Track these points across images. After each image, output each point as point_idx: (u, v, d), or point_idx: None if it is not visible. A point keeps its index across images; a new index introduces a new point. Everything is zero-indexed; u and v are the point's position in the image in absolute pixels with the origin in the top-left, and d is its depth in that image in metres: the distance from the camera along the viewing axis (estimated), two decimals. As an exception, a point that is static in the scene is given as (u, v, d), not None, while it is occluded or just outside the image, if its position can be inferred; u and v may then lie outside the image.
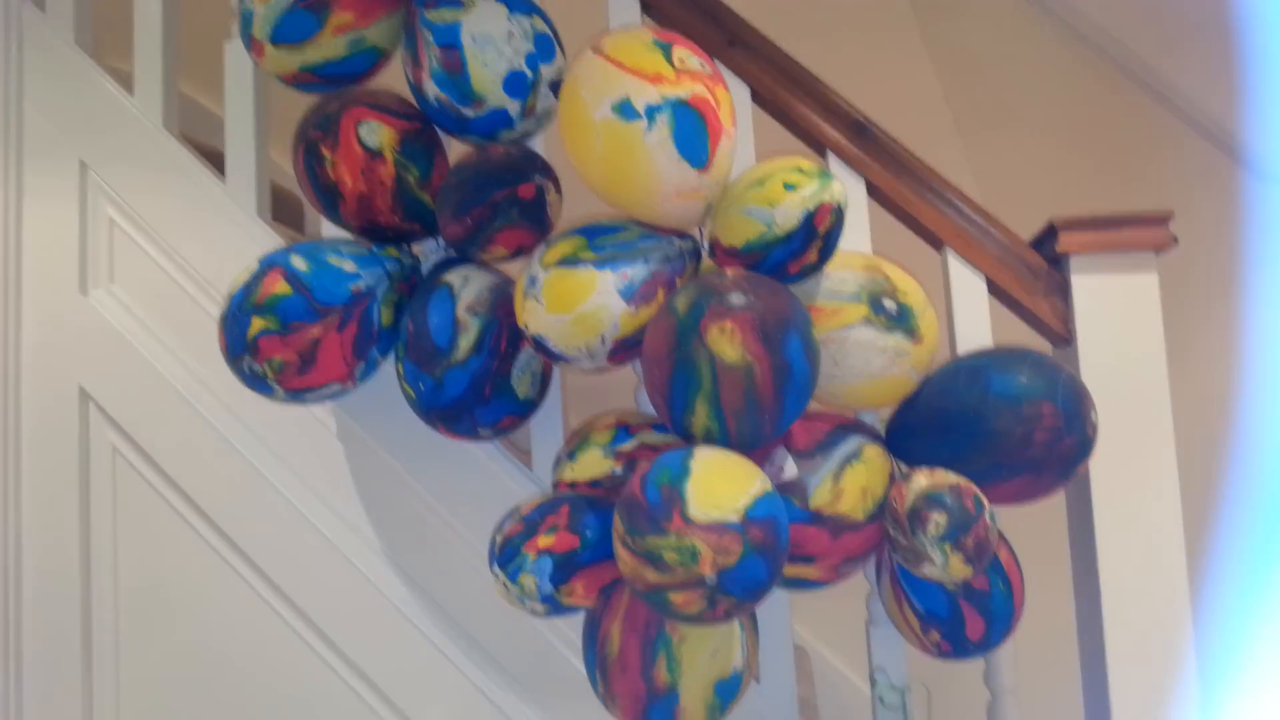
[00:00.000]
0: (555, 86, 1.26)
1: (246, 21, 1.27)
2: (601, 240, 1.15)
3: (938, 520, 1.06)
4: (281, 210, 1.98)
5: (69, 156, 1.55)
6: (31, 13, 1.58)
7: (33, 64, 1.57)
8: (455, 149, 1.33)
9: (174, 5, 1.56)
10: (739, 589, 0.98)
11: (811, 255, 1.12)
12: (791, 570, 1.13)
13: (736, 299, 1.05)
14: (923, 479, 1.10)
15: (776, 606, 1.31)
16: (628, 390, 1.39)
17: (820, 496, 1.12)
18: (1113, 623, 1.27)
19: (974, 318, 1.33)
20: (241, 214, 1.50)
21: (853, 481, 1.13)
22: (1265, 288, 1.97)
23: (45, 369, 1.54)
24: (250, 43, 1.28)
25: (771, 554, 0.99)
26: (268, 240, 1.48)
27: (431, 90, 1.25)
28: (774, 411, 1.06)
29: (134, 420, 1.51)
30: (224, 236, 1.49)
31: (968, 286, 1.34)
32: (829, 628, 2.24)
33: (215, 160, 1.54)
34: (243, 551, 1.46)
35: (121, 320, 1.53)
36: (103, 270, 1.55)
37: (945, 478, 1.10)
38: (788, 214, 1.10)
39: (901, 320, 1.16)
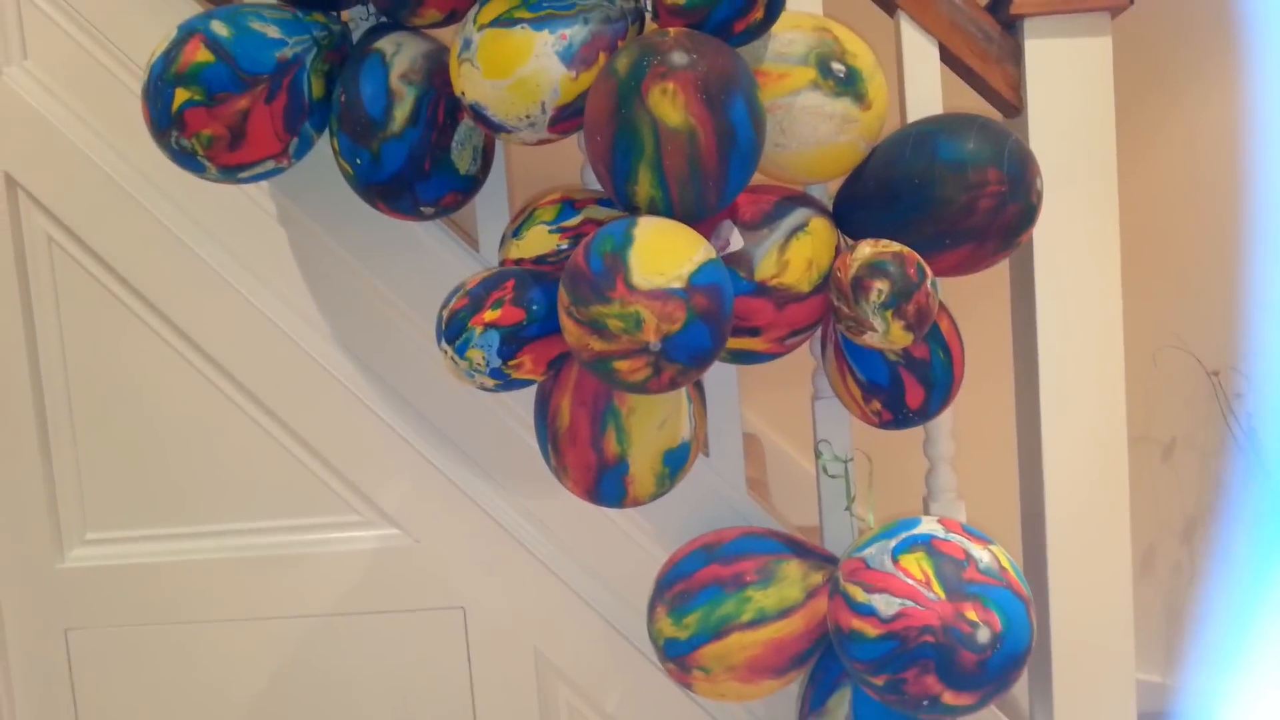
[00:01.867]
0: None
1: None
2: (538, -1, 1.08)
3: (880, 288, 1.07)
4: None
5: (-40, -84, 1.42)
6: None
7: None
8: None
9: None
10: (683, 355, 0.99)
11: (758, 12, 1.07)
12: (737, 342, 1.14)
13: (679, 58, 1.00)
14: (866, 249, 1.09)
15: (724, 381, 1.34)
16: (574, 169, 1.36)
17: (765, 268, 1.12)
18: (1049, 393, 1.31)
19: (925, 85, 1.30)
20: (156, -21, 1.39)
21: (798, 253, 1.13)
22: (1230, 61, 1.93)
23: (-36, 154, 1.46)
24: None
25: (715, 320, 1.00)
26: (187, 8, 1.38)
27: None
28: (718, 178, 1.04)
29: (66, 207, 1.46)
30: (139, 2, 1.39)
31: (920, 52, 1.30)
32: (781, 416, 2.31)
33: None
34: (188, 336, 1.45)
35: (40, 100, 1.44)
36: (14, 47, 1.44)
37: (889, 247, 1.09)
38: (735, -33, 1.04)
39: (850, 84, 1.13)
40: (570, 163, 1.37)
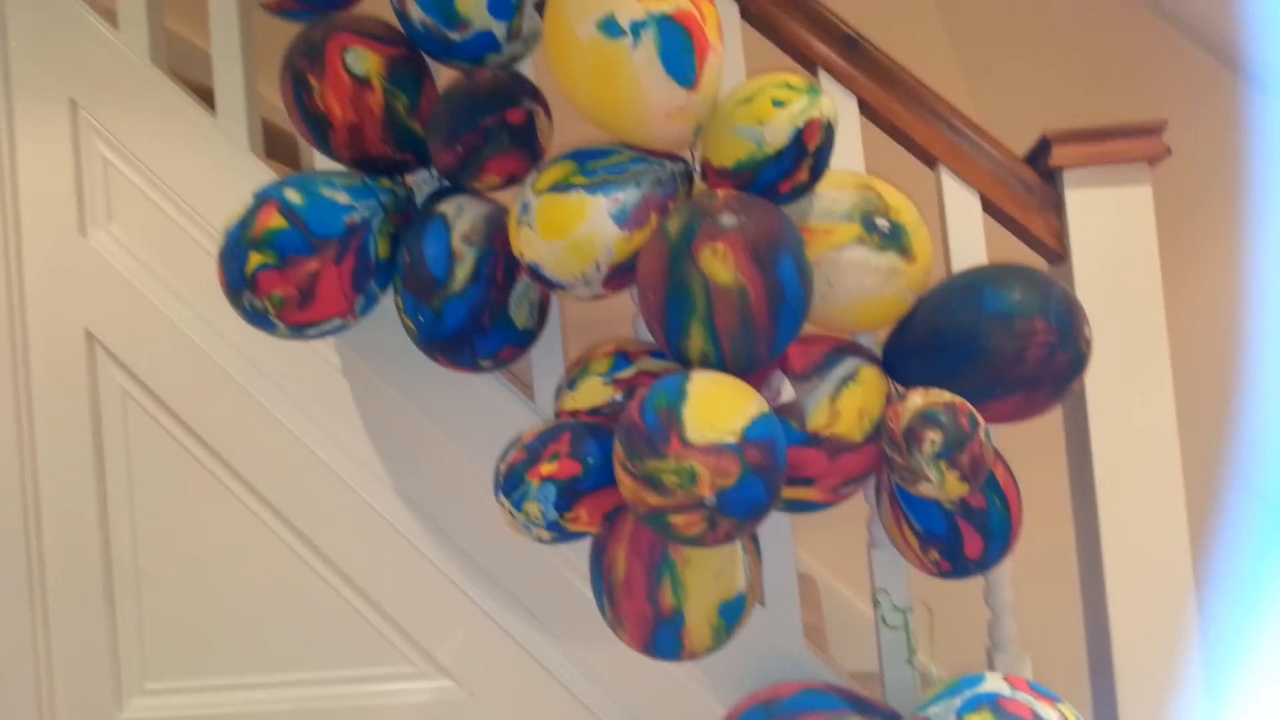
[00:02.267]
0: (540, 6, 1.24)
1: (227, -50, 1.24)
2: (592, 164, 1.14)
3: (933, 438, 1.07)
4: (277, 148, 1.97)
5: (58, 95, 1.53)
6: (11, -50, 1.55)
7: (15, 1, 1.54)
8: (443, 75, 1.32)
9: (154, -63, 1.53)
10: (738, 510, 0.99)
11: (802, 174, 1.12)
12: (791, 492, 1.15)
13: (728, 220, 1.04)
14: (918, 398, 1.10)
15: (778, 530, 1.33)
16: (626, 320, 1.40)
17: (817, 418, 1.13)
18: (1110, 538, 1.29)
19: (968, 235, 1.33)
20: (234, 148, 1.49)
21: (849, 403, 1.14)
22: (1265, 199, 1.95)
23: (50, 314, 1.54)
24: (232, -29, 1.26)
25: (769, 474, 1.01)
26: (261, 175, 1.47)
27: (416, 14, 1.23)
28: (769, 333, 1.06)
29: (141, 362, 1.52)
30: (218, 172, 1.49)
31: (961, 203, 1.33)
32: (834, 554, 2.27)
33: (206, 99, 1.52)
34: (253, 488, 1.48)
35: (122, 261, 1.53)
36: (100, 210, 1.54)
37: (940, 396, 1.10)
38: (777, 132, 1.09)
39: (895, 239, 1.16)
40: (622, 313, 1.41)
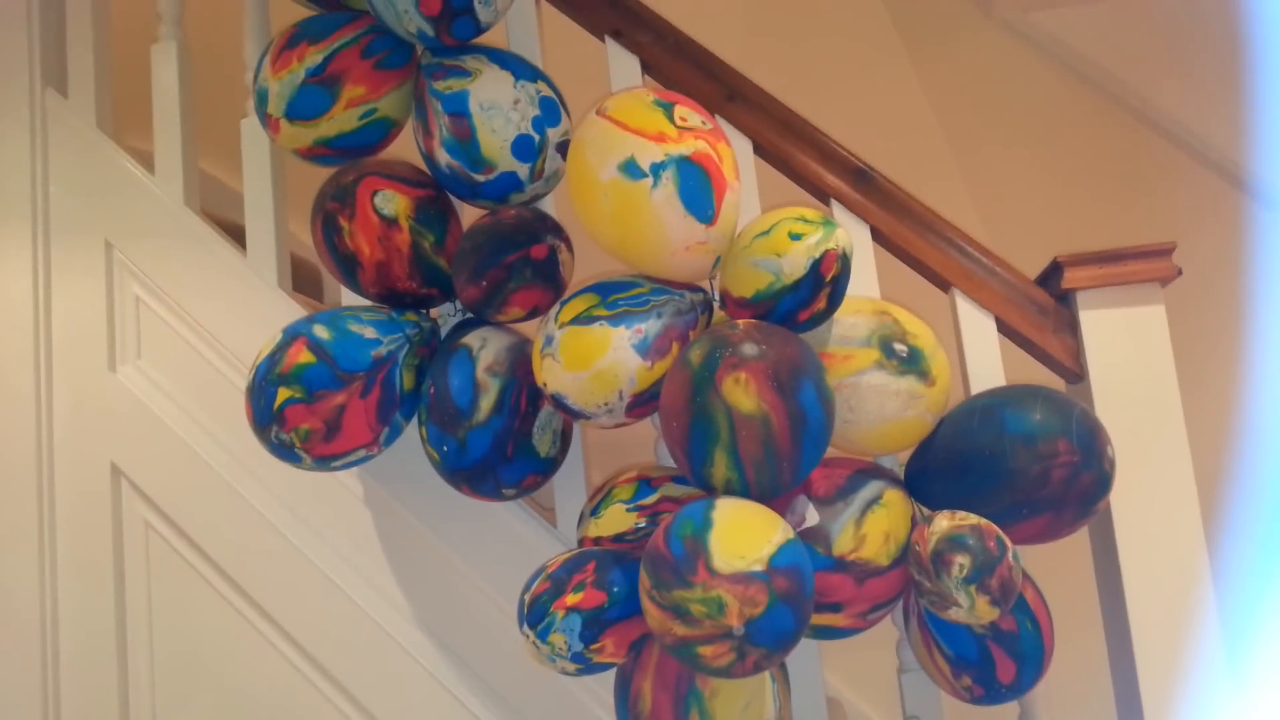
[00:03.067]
0: (562, 148, 1.30)
1: (262, 99, 1.31)
2: (614, 297, 1.17)
3: (961, 562, 1.06)
4: (300, 279, 2.02)
5: (94, 236, 1.59)
6: (54, 99, 1.63)
7: (57, 147, 1.62)
8: (468, 213, 1.37)
9: (190, 85, 1.61)
10: (767, 639, 0.99)
11: (820, 302, 1.14)
12: (818, 619, 1.14)
13: (749, 349, 1.06)
14: (944, 521, 1.10)
15: (806, 656, 1.31)
16: (647, 444, 1.41)
17: (843, 543, 1.13)
18: (1144, 658, 1.26)
19: (985, 357, 1.35)
20: (263, 285, 1.53)
21: (875, 526, 1.14)
22: (1274, 312, 1.98)
23: (77, 447, 1.56)
24: (266, 120, 1.32)
25: (798, 602, 1.00)
26: (289, 310, 1.51)
27: (443, 158, 1.28)
28: (792, 459, 1.07)
29: (165, 495, 1.53)
30: (247, 308, 1.53)
31: (977, 326, 1.36)
32: (861, 678, 2.22)
33: (236, 234, 1.58)
34: (275, 621, 1.47)
35: (150, 396, 1.56)
36: (130, 347, 1.58)
37: (966, 519, 1.10)
38: (794, 263, 1.12)
39: (913, 363, 1.17)
40: (644, 436, 1.42)
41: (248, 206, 1.56)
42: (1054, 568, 1.41)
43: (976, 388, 1.33)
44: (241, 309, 1.53)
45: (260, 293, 1.53)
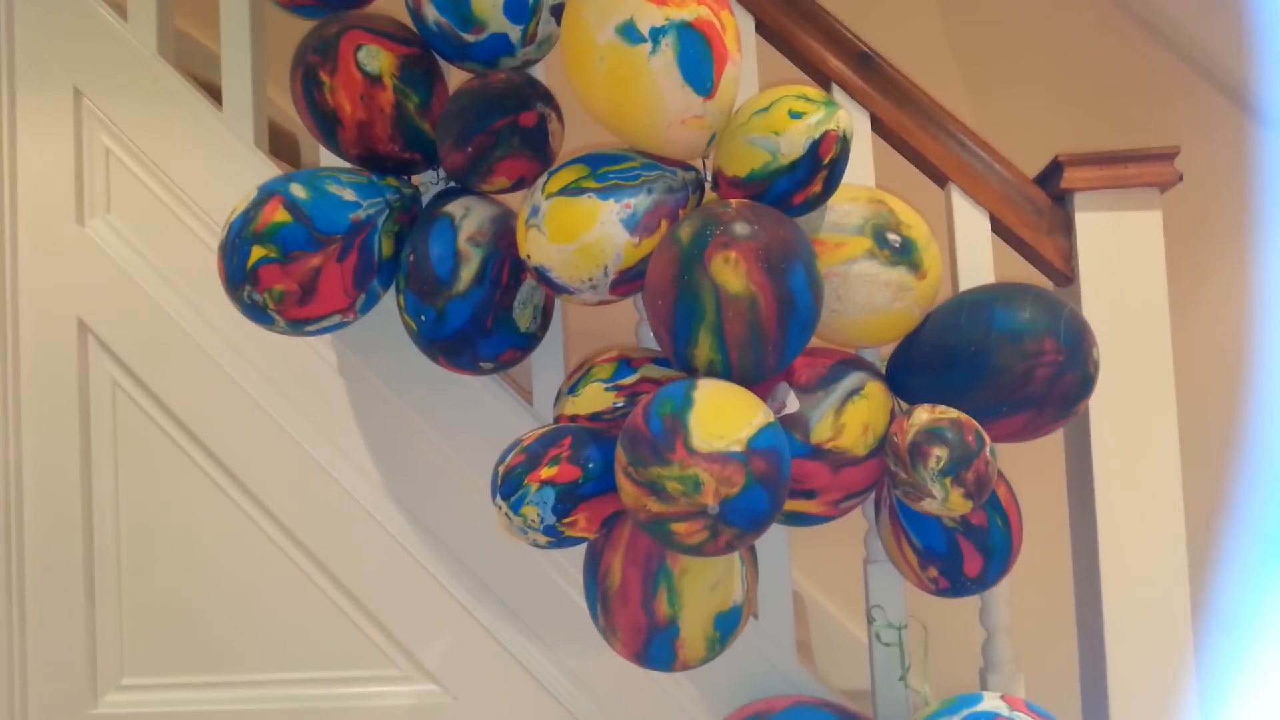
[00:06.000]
0: (557, 11, 1.24)
1: (242, -59, 1.24)
2: (604, 169, 1.13)
3: (938, 454, 1.06)
4: (277, 148, 1.96)
5: (62, 83, 1.52)
6: (20, -67, 1.54)
7: (22, -14, 1.53)
8: (456, 77, 1.31)
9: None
10: (741, 519, 0.98)
11: (816, 186, 1.11)
12: (791, 505, 1.14)
13: (740, 228, 1.04)
14: (924, 414, 1.10)
15: (775, 543, 1.32)
16: (629, 331, 1.39)
17: (821, 431, 1.12)
18: (1108, 559, 1.28)
19: (977, 254, 1.33)
20: (239, 143, 1.48)
21: (854, 417, 1.13)
22: (1272, 233, 1.96)
23: (43, 301, 1.52)
24: (245, -36, 1.25)
25: (774, 485, 1.00)
26: (265, 170, 1.46)
27: (431, 14, 1.22)
28: (777, 343, 1.05)
29: (133, 353, 1.50)
30: (221, 166, 1.48)
31: (971, 222, 1.34)
32: (823, 572, 2.26)
33: (214, 99, 1.51)
34: (242, 484, 1.46)
35: (119, 251, 1.51)
36: (99, 200, 1.52)
37: (946, 413, 1.09)
38: (793, 142, 1.09)
39: (905, 254, 1.15)
40: (624, 325, 1.40)
41: (224, 60, 1.49)
42: (1024, 467, 1.42)
43: (966, 285, 1.31)
44: (216, 166, 1.48)
45: (236, 150, 1.48)
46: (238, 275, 1.22)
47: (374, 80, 1.24)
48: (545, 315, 1.30)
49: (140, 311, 1.50)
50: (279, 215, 1.21)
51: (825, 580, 2.26)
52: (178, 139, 1.50)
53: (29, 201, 1.52)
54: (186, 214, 1.50)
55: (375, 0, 1.33)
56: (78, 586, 1.49)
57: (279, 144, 2.02)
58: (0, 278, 1.51)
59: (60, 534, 1.50)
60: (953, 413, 1.09)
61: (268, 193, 1.24)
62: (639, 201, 1.12)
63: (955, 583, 1.17)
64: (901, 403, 1.20)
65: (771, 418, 1.03)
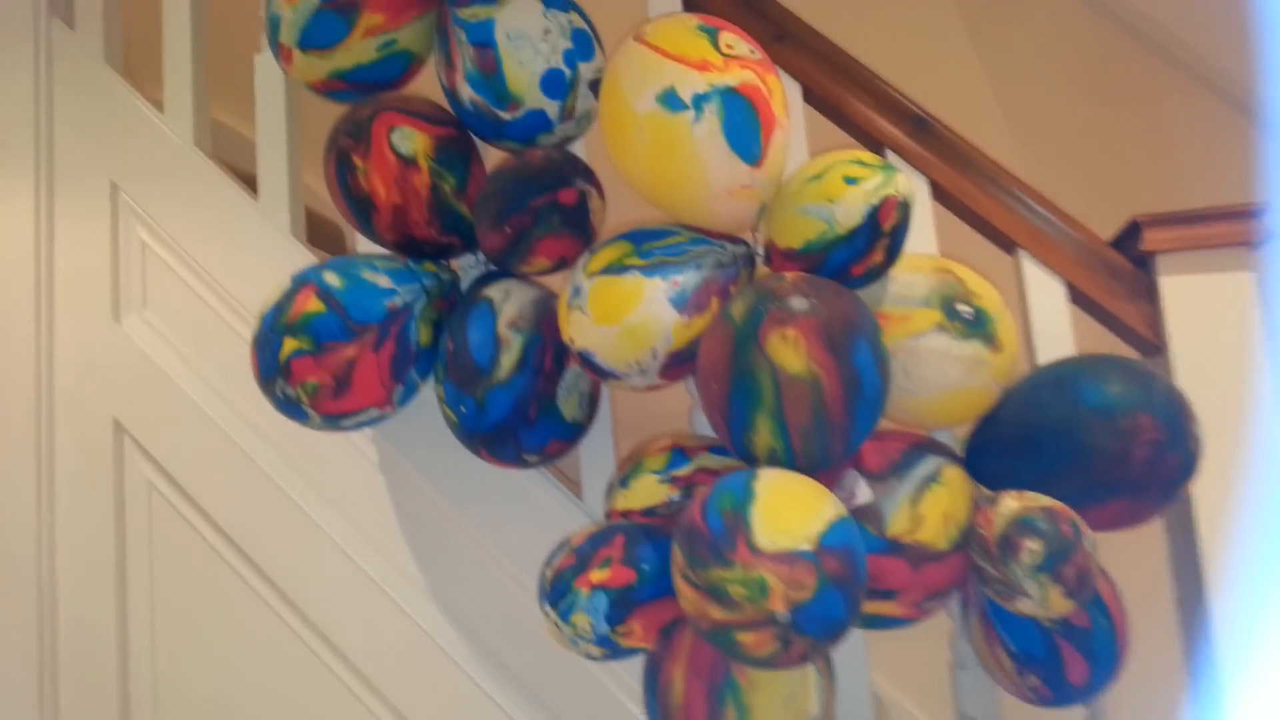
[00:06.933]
0: (595, 86, 1.19)
1: (274, 27, 1.21)
2: (649, 245, 1.07)
3: (1032, 548, 0.95)
4: (321, 238, 1.93)
5: (99, 177, 1.51)
6: (61, 30, 1.54)
7: (63, 81, 1.53)
8: (493, 158, 1.26)
9: (203, 23, 1.52)
10: (815, 627, 0.88)
11: (877, 255, 1.03)
12: (869, 607, 1.03)
13: (798, 303, 0.95)
14: (1012, 502, 0.99)
15: (853, 647, 1.21)
16: (682, 416, 1.30)
17: (898, 523, 1.02)
18: (1227, 662, 1.15)
19: (1054, 325, 1.23)
20: (275, 233, 1.44)
21: (933, 506, 1.03)
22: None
23: (79, 401, 1.49)
24: (278, 50, 1.22)
25: (850, 587, 0.90)
26: (303, 260, 1.42)
27: (466, 93, 1.18)
28: (844, 427, 0.96)
29: (169, 453, 1.45)
30: (258, 257, 1.44)
31: (1046, 291, 1.24)
32: (906, 674, 2.09)
33: (251, 186, 1.48)
34: (281, 589, 1.39)
35: (155, 348, 1.48)
36: (135, 295, 1.50)
37: (1037, 500, 0.99)
38: (849, 210, 1.01)
39: (978, 326, 1.06)
40: (678, 409, 1.31)
41: (260, 147, 1.47)
42: (1123, 560, 1.29)
43: (1044, 358, 1.21)
44: (252, 257, 1.44)
45: (272, 240, 1.44)
46: (270, 369, 1.17)
47: (408, 162, 1.19)
48: (592, 403, 1.22)
49: (177, 411, 1.45)
50: (311, 305, 1.16)
51: (908, 681, 2.10)
52: (214, 231, 1.47)
53: (66, 298, 1.50)
54: (223, 307, 1.46)
55: (410, 83, 1.29)
56: (112, 697, 1.42)
57: (323, 234, 2.00)
58: (36, 376, 1.48)
59: (95, 643, 1.43)
60: (1044, 500, 0.99)
61: (301, 282, 1.19)
62: (687, 278, 1.05)
63: (1059, 691, 1.05)
64: (984, 490, 1.09)
65: (844, 511, 0.94)
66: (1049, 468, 1.04)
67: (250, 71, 1.45)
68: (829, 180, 1.03)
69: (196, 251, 1.47)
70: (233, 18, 1.60)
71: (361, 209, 1.22)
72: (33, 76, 1.52)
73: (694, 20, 1.05)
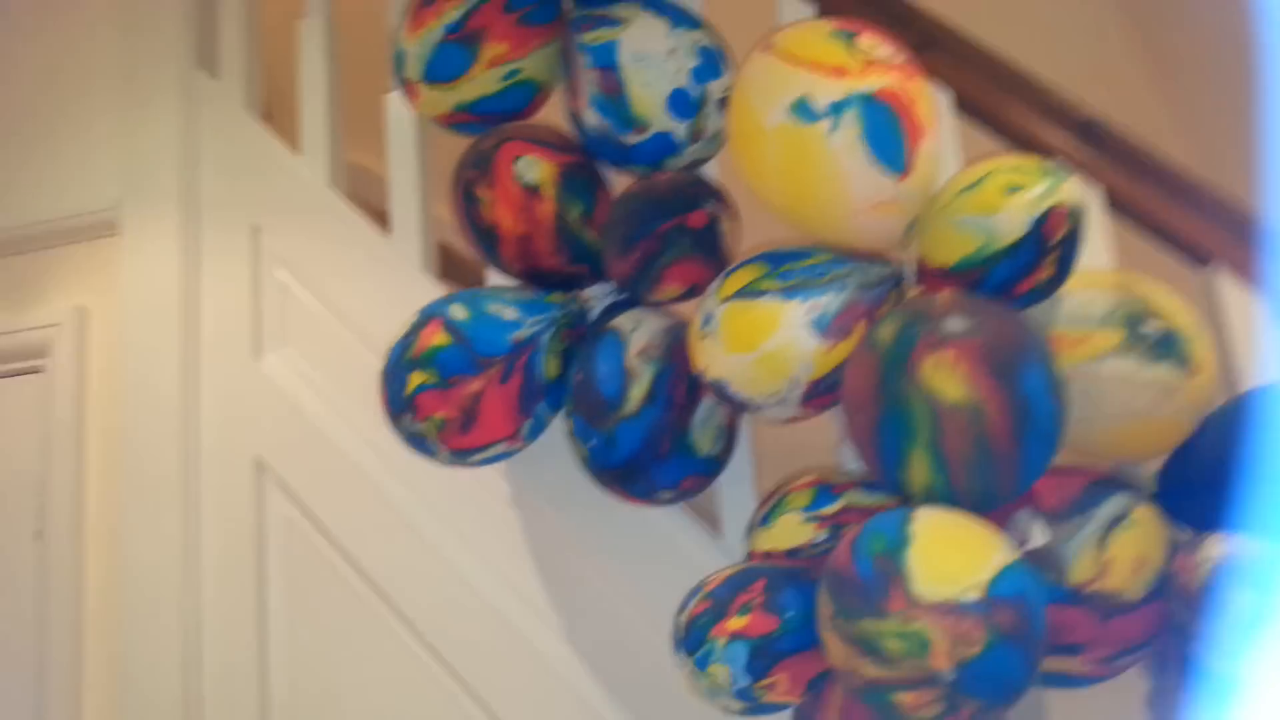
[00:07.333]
0: (724, 104, 1.12)
1: (400, 63, 1.20)
2: (787, 267, 0.99)
3: (1243, 600, 0.82)
4: (458, 272, 1.93)
5: (241, 220, 1.54)
6: (205, 80, 1.59)
7: (208, 128, 1.57)
8: (620, 184, 1.21)
9: (336, 65, 1.54)
10: (985, 688, 0.78)
11: (1045, 270, 0.92)
12: (1050, 663, 0.91)
13: (955, 324, 0.86)
14: (1217, 546, 0.86)
15: (1028, 711, 1.08)
16: (830, 448, 1.20)
17: (1082, 569, 0.90)
18: None
19: (1254, 346, 1.08)
20: (408, 268, 1.43)
21: (1123, 550, 0.91)
22: None
23: (223, 440, 1.50)
24: (404, 85, 1.21)
25: (1025, 642, 0.79)
26: (435, 294, 1.37)
27: (591, 118, 1.14)
28: (1012, 460, 0.85)
29: (308, 491, 1.45)
30: (392, 293, 1.43)
31: (1243, 309, 1.09)
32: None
33: (385, 224, 1.48)
34: (417, 629, 1.36)
35: (295, 386, 1.49)
36: (275, 334, 1.51)
37: (1249, 545, 0.85)
38: (1011, 221, 0.91)
39: (1168, 347, 0.94)
40: (825, 438, 1.22)
41: (392, 185, 1.47)
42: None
43: (1244, 383, 1.07)
44: (386, 294, 1.43)
45: (406, 276, 1.43)
46: (398, 403, 1.14)
47: (532, 191, 1.16)
48: (729, 436, 1.15)
49: (315, 448, 1.45)
50: (438, 338, 1.13)
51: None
52: (349, 269, 1.48)
53: (209, 338, 1.53)
54: (359, 345, 1.46)
55: (537, 113, 1.26)
56: (255, 739, 1.41)
57: (460, 269, 2.00)
58: (184, 417, 1.51)
59: (238, 681, 1.43)
60: (1256, 545, 0.85)
61: (427, 316, 1.16)
62: (829, 301, 0.96)
63: (1274, 767, 0.90)
64: (1179, 532, 0.96)
65: (1015, 555, 0.83)
66: (1254, 507, 0.90)
67: (382, 110, 1.46)
68: (986, 189, 0.93)
69: (333, 290, 1.48)
70: (365, 58, 1.62)
71: (487, 240, 1.19)
72: (179, 125, 1.57)
73: (828, 25, 0.97)
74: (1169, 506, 0.96)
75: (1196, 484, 0.95)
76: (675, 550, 1.23)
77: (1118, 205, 1.14)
